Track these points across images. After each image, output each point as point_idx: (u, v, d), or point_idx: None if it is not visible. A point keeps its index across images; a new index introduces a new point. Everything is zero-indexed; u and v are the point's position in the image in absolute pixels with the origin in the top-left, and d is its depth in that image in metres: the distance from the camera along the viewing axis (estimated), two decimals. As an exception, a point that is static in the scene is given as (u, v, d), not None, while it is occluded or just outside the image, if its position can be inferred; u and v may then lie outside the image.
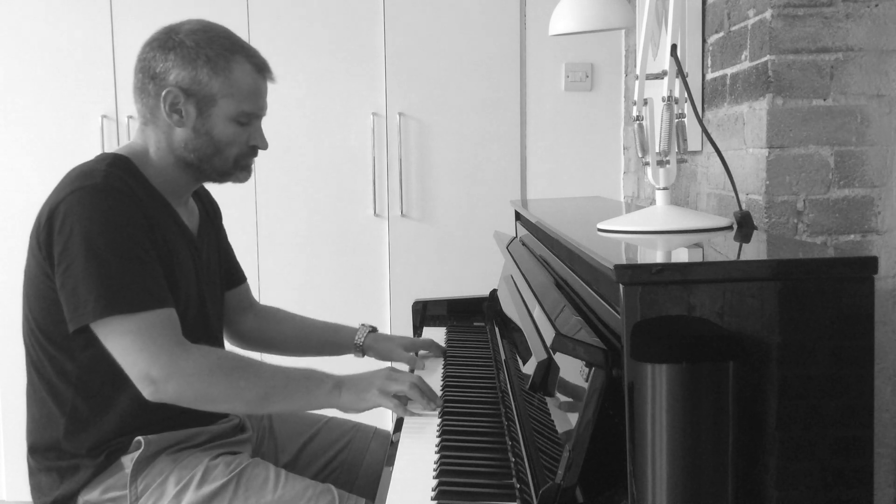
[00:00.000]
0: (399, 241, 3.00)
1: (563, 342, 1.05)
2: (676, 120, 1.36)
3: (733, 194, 1.49)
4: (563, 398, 1.09)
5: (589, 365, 1.00)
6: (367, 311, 2.99)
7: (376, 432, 1.75)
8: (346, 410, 1.43)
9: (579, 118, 2.98)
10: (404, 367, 1.79)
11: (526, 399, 1.33)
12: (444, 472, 1.22)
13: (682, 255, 1.15)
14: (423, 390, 1.44)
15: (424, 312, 2.18)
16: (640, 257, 1.13)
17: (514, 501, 1.13)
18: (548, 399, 1.16)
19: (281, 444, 1.67)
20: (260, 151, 1.52)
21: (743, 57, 1.74)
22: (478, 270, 2.90)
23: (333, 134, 2.97)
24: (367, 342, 1.79)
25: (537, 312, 1.30)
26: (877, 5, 1.60)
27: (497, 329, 1.92)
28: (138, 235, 1.33)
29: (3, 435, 3.04)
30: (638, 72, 1.37)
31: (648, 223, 1.33)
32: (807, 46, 1.61)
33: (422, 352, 1.90)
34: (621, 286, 0.92)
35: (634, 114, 1.37)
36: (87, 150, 2.92)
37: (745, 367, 0.93)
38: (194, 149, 1.44)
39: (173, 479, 1.38)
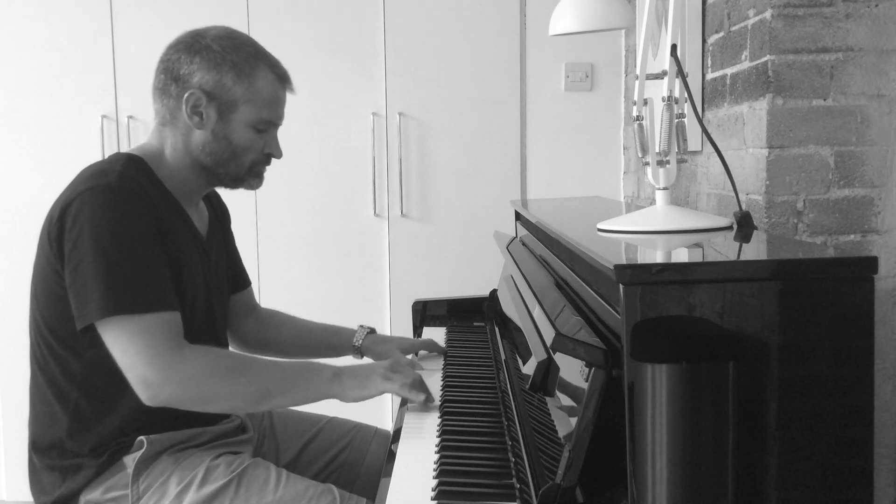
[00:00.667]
0: (399, 241, 3.00)
1: (563, 342, 1.05)
2: (676, 120, 1.36)
3: (733, 194, 1.49)
4: (563, 398, 1.09)
5: (589, 365, 1.00)
6: (368, 311, 2.99)
7: (377, 433, 1.75)
8: (347, 399, 1.42)
9: (579, 118, 2.98)
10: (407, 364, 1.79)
11: (526, 399, 1.33)
12: (445, 472, 1.22)
13: (682, 255, 1.15)
14: (420, 390, 1.47)
15: (424, 312, 2.18)
16: (640, 257, 1.13)
17: (514, 501, 1.13)
18: (548, 399, 1.16)
19: (282, 444, 1.67)
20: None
21: (743, 57, 1.74)
22: (478, 270, 2.91)
23: (333, 134, 2.97)
24: (365, 344, 1.80)
25: (537, 312, 1.30)
26: (877, 5, 1.60)
27: (497, 329, 1.92)
28: (148, 237, 1.34)
29: (4, 434, 3.04)
30: (638, 72, 1.37)
31: (648, 223, 1.33)
32: (807, 46, 1.61)
33: (422, 352, 1.90)
34: (621, 286, 0.92)
35: (634, 114, 1.37)
36: (87, 150, 2.92)
37: (745, 367, 0.93)
38: (211, 152, 1.45)
39: (175, 478, 1.39)
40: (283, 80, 1.50)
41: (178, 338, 1.33)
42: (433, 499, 1.14)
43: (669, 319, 0.93)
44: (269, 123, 1.48)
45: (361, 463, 1.69)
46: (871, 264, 0.95)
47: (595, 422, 0.96)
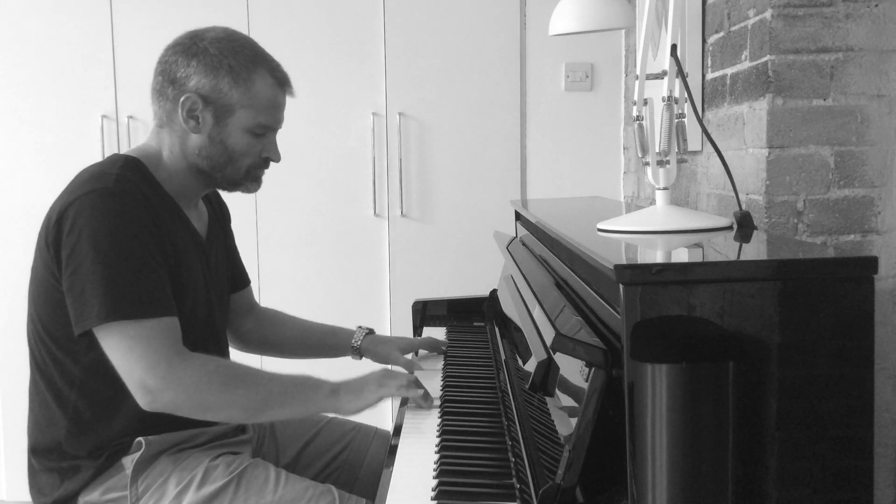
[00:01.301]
0: (399, 241, 3.00)
1: (563, 342, 1.05)
2: (676, 120, 1.36)
3: (733, 194, 1.49)
4: (563, 398, 1.09)
5: (589, 365, 1.00)
6: (368, 310, 2.99)
7: (377, 433, 1.75)
8: (345, 413, 1.44)
9: (579, 118, 2.98)
10: (401, 370, 1.79)
11: (526, 399, 1.33)
12: (444, 472, 1.22)
13: (682, 255, 1.15)
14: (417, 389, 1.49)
15: (424, 312, 2.18)
16: (640, 257, 1.13)
17: (514, 501, 1.13)
18: (548, 399, 1.16)
19: (281, 444, 1.67)
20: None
21: (743, 57, 1.74)
22: (478, 270, 2.90)
23: (333, 134, 2.97)
24: (364, 344, 1.79)
25: (537, 312, 1.30)
26: (877, 5, 1.60)
27: (497, 329, 1.92)
28: (146, 241, 1.33)
29: (3, 435, 3.04)
30: (638, 72, 1.37)
31: (648, 223, 1.33)
32: (807, 46, 1.61)
33: (422, 352, 1.90)
34: (621, 286, 0.92)
35: (634, 114, 1.37)
36: (87, 150, 2.92)
37: (746, 367, 0.93)
38: (207, 156, 1.44)
39: (174, 479, 1.39)
40: (282, 84, 1.48)
41: (178, 344, 1.33)
42: (433, 499, 1.14)
43: (669, 319, 0.93)
44: (266, 128, 1.47)
45: (361, 463, 1.68)
46: (871, 264, 0.95)
47: (595, 422, 0.96)
